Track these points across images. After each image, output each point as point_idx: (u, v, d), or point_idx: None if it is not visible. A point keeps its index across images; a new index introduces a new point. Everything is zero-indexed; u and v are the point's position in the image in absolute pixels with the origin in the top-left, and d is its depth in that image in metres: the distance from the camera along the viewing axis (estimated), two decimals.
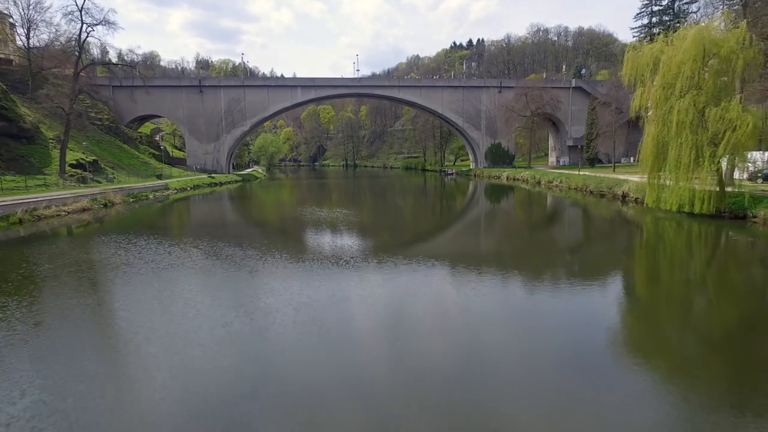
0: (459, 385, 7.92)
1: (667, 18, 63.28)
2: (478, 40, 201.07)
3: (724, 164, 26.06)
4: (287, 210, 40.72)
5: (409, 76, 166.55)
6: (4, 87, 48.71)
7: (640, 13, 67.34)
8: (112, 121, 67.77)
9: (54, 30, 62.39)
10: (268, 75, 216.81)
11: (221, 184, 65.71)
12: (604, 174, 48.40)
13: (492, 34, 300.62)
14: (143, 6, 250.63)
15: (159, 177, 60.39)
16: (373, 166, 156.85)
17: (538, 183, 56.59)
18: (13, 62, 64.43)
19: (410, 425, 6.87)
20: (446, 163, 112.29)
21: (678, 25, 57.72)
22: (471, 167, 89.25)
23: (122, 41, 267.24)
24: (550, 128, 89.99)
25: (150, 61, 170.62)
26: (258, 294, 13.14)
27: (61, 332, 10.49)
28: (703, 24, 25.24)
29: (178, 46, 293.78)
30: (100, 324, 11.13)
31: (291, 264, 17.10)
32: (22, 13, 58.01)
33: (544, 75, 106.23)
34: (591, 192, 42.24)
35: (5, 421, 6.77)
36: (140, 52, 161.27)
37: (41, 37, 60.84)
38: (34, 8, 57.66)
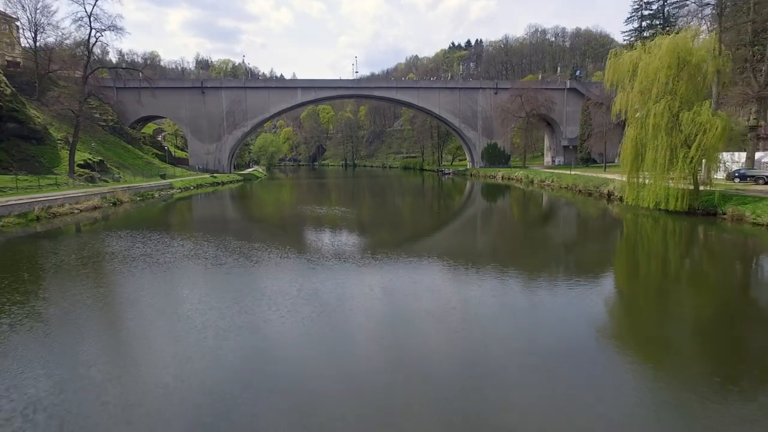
0: (454, 377, 8.31)
1: (657, 22, 64.98)
2: (477, 40, 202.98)
3: (703, 165, 27.78)
4: (289, 208, 42.46)
5: (407, 77, 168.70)
6: (14, 89, 50.37)
7: (631, 17, 69.24)
8: (116, 122, 69.45)
9: (60, 33, 64.07)
10: (268, 75, 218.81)
11: (223, 183, 67.40)
12: (594, 174, 50.16)
13: (491, 34, 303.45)
14: (143, 5, 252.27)
15: (163, 177, 62.05)
16: (372, 166, 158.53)
17: (531, 182, 58.33)
18: (20, 64, 66.11)
19: (407, 415, 7.12)
20: (444, 163, 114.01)
21: (668, 29, 59.47)
22: (468, 167, 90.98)
23: (122, 41, 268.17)
24: (546, 129, 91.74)
25: (150, 61, 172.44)
26: (262, 287, 14.88)
27: (100, 311, 12.24)
28: (678, 34, 26.84)
29: (178, 45, 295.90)
30: (127, 305, 12.86)
31: (293, 260, 18.81)
32: (30, 17, 59.67)
33: (540, 76, 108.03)
34: (580, 191, 44.00)
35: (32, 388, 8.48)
36: (140, 52, 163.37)
37: (48, 40, 62.36)
38: (41, 12, 59.35)
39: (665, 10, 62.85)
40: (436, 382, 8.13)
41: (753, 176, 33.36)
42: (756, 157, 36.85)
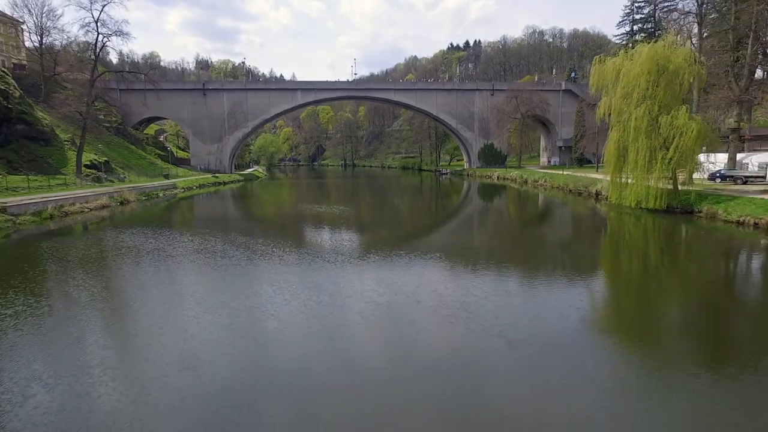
0: (452, 368, 8.76)
1: (648, 26, 66.53)
2: (475, 41, 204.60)
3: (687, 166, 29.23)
4: (290, 207, 44.01)
5: (406, 78, 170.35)
6: (21, 92, 51.84)
7: (623, 21, 70.72)
8: (120, 123, 70.95)
9: (66, 37, 65.54)
10: (267, 75, 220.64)
11: (225, 183, 68.94)
12: (585, 174, 51.71)
13: (491, 34, 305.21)
14: (141, 4, 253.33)
15: (166, 177, 63.56)
16: (371, 166, 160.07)
17: (525, 182, 59.91)
18: (26, 67, 67.58)
19: (407, 404, 7.52)
20: (441, 163, 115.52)
21: (659, 32, 60.99)
22: (465, 167, 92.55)
23: (128, 45, 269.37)
24: (542, 129, 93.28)
25: (150, 62, 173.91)
26: (267, 277, 16.43)
27: (123, 296, 13.81)
28: (656, 42, 28.40)
29: (177, 45, 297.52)
30: (147, 292, 14.42)
31: (295, 254, 20.37)
32: (36, 21, 61.14)
33: (536, 78, 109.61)
34: (570, 191, 45.57)
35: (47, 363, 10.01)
36: (140, 52, 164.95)
37: (53, 43, 63.78)
38: (47, 16, 60.86)
39: (656, 15, 64.36)
40: (435, 372, 8.57)
41: (732, 176, 34.94)
42: (737, 158, 38.43)
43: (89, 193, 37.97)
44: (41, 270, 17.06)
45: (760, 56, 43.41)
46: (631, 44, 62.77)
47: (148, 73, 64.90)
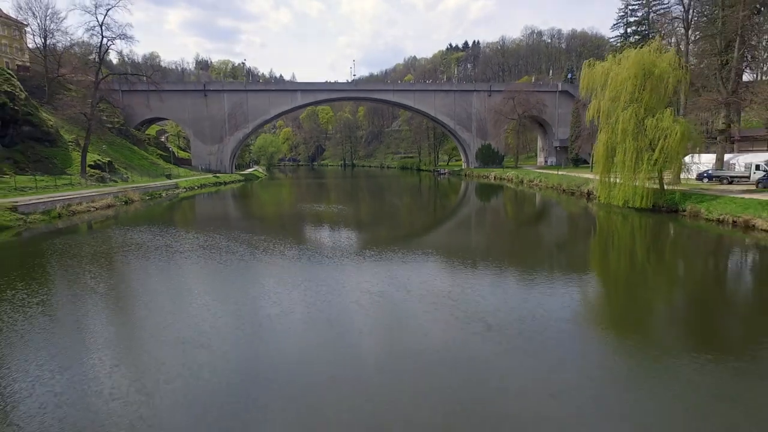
0: (453, 363, 9.08)
1: (643, 28, 67.61)
2: (474, 42, 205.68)
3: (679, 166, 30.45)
4: (290, 207, 45.09)
5: (405, 78, 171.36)
6: (27, 94, 52.89)
7: (617, 23, 71.87)
8: (122, 124, 72.03)
9: (69, 39, 66.57)
10: (267, 75, 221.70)
11: (225, 183, 70.02)
12: (578, 174, 52.81)
13: (490, 34, 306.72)
14: (141, 5, 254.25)
15: (168, 177, 64.62)
16: (370, 166, 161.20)
17: (521, 182, 61.04)
18: (29, 69, 68.62)
19: (412, 397, 7.86)
20: (440, 163, 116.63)
21: (654, 34, 62.04)
22: (463, 167, 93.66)
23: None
24: (539, 130, 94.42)
25: (150, 62, 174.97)
26: (267, 274, 17.53)
27: (135, 287, 14.92)
28: (643, 48, 29.52)
29: (177, 45, 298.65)
30: (158, 284, 15.53)
31: (296, 250, 21.47)
32: (40, 23, 62.18)
33: (533, 78, 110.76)
34: (564, 190, 46.70)
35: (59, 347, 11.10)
36: (140, 52, 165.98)
37: (57, 45, 64.78)
38: (50, 18, 61.91)
39: (650, 17, 65.46)
40: (437, 367, 8.98)
41: (718, 177, 36.07)
42: (725, 159, 39.54)
43: (95, 193, 39.06)
44: (59, 264, 18.14)
45: (749, 58, 44.60)
46: (626, 46, 63.91)
47: (151, 75, 65.84)
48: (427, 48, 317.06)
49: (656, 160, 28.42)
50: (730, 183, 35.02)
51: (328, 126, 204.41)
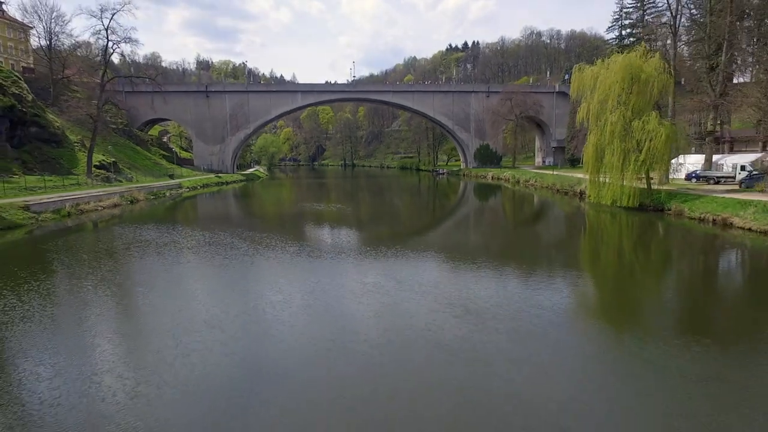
0: (456, 356, 9.50)
1: (638, 31, 68.70)
2: (474, 42, 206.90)
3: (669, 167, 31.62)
4: (291, 206, 46.32)
5: (405, 78, 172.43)
6: (33, 95, 54.13)
7: (612, 26, 72.96)
8: (126, 125, 73.30)
9: (74, 41, 67.82)
10: (268, 75, 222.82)
11: (227, 183, 71.26)
12: (572, 174, 53.93)
13: (490, 34, 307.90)
14: (141, 4, 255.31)
15: (171, 177, 65.85)
16: (370, 166, 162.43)
17: (518, 182, 62.21)
18: (34, 70, 69.90)
19: (417, 390, 8.30)
20: (439, 163, 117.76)
21: (647, 37, 63.13)
22: (461, 167, 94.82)
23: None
24: (537, 130, 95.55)
25: (151, 62, 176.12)
26: (270, 267, 18.75)
27: (148, 280, 16.15)
28: (629, 53, 30.70)
29: (177, 45, 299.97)
30: (168, 278, 16.75)
31: (297, 246, 22.67)
32: (45, 26, 63.46)
33: (531, 80, 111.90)
34: (557, 190, 47.88)
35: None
36: (141, 53, 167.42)
37: (62, 47, 65.93)
38: (55, 21, 63.19)
39: (644, 20, 66.55)
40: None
41: (705, 177, 37.22)
42: (714, 159, 40.68)
43: (101, 193, 40.29)
44: (76, 259, 19.33)
45: (738, 61, 45.75)
46: (614, 52, 64.98)
47: (156, 78, 67.19)
48: (427, 48, 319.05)
49: (643, 160, 29.57)
50: (717, 183, 36.17)
51: (328, 126, 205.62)
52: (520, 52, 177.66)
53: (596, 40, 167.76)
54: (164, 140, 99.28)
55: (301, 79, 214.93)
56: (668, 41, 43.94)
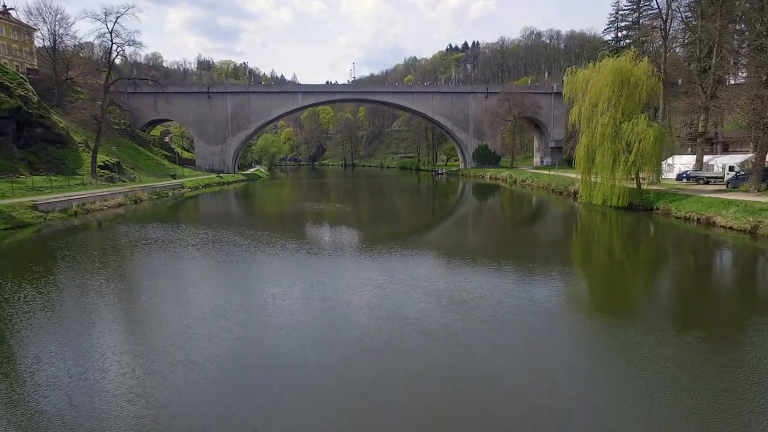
0: (452, 349, 9.92)
1: (633, 33, 69.59)
2: (474, 42, 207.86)
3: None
4: (291, 205, 47.31)
5: (405, 79, 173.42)
6: (38, 97, 55.13)
7: (608, 28, 73.85)
8: (129, 126, 74.35)
9: (77, 43, 68.86)
10: (269, 75, 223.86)
11: (229, 183, 72.26)
12: (567, 174, 54.81)
13: (491, 34, 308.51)
14: (143, 4, 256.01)
15: (173, 177, 66.84)
16: (370, 166, 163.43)
17: (515, 182, 63.13)
18: (38, 72, 70.90)
19: (414, 381, 8.75)
20: (438, 163, 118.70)
21: (643, 39, 64.04)
22: (460, 167, 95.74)
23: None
24: (535, 131, 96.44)
25: (153, 62, 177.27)
26: (271, 262, 19.73)
27: (154, 276, 17.13)
28: (619, 57, 31.64)
29: (178, 45, 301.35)
30: (174, 273, 17.71)
31: (297, 244, 23.64)
32: (49, 28, 64.48)
33: (529, 80, 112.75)
34: (553, 190, 48.81)
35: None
36: (143, 53, 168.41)
37: (66, 48, 66.94)
38: (59, 23, 64.21)
39: (640, 22, 67.45)
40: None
41: (695, 177, 38.13)
42: (705, 160, 41.59)
43: (106, 193, 41.28)
44: (86, 255, 20.29)
45: (730, 63, 46.58)
46: (616, 51, 65.84)
47: (159, 80, 68.27)
48: (427, 48, 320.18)
49: (632, 162, 30.48)
50: (706, 183, 37.07)
51: (328, 126, 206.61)
52: (520, 52, 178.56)
53: (596, 40, 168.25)
54: (166, 140, 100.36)
55: (302, 79, 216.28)
56: (654, 45, 45.06)
